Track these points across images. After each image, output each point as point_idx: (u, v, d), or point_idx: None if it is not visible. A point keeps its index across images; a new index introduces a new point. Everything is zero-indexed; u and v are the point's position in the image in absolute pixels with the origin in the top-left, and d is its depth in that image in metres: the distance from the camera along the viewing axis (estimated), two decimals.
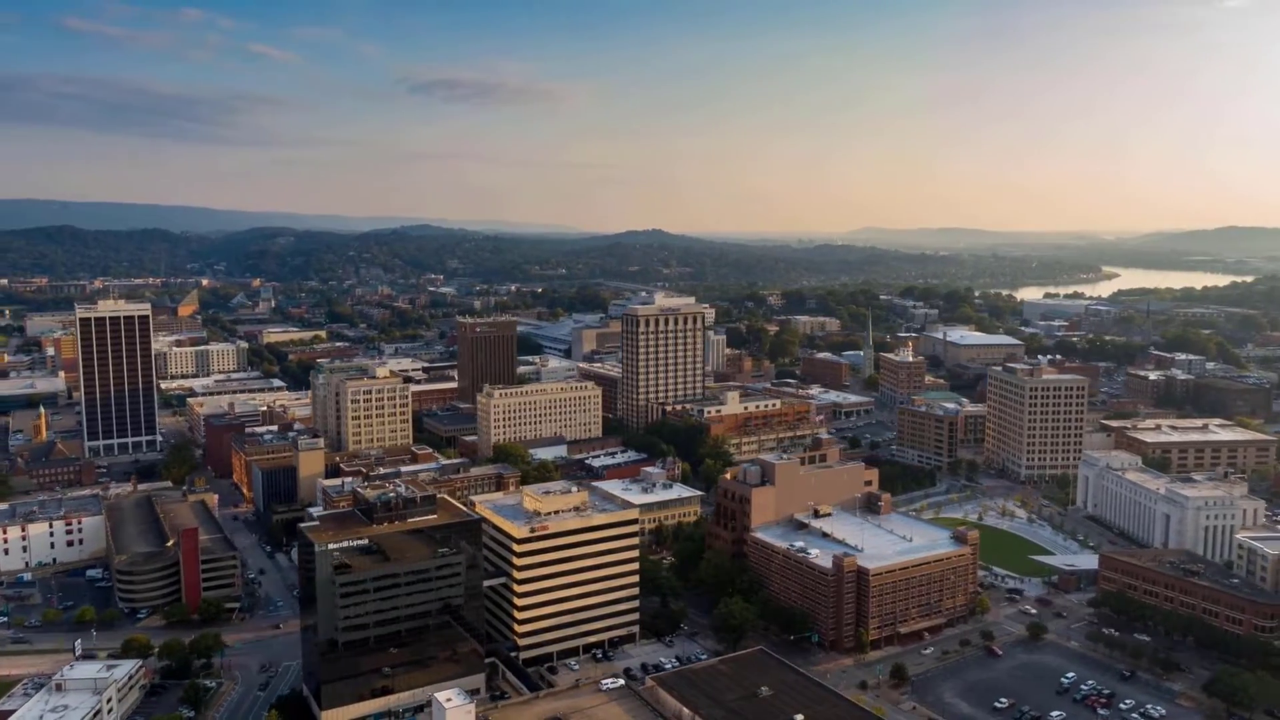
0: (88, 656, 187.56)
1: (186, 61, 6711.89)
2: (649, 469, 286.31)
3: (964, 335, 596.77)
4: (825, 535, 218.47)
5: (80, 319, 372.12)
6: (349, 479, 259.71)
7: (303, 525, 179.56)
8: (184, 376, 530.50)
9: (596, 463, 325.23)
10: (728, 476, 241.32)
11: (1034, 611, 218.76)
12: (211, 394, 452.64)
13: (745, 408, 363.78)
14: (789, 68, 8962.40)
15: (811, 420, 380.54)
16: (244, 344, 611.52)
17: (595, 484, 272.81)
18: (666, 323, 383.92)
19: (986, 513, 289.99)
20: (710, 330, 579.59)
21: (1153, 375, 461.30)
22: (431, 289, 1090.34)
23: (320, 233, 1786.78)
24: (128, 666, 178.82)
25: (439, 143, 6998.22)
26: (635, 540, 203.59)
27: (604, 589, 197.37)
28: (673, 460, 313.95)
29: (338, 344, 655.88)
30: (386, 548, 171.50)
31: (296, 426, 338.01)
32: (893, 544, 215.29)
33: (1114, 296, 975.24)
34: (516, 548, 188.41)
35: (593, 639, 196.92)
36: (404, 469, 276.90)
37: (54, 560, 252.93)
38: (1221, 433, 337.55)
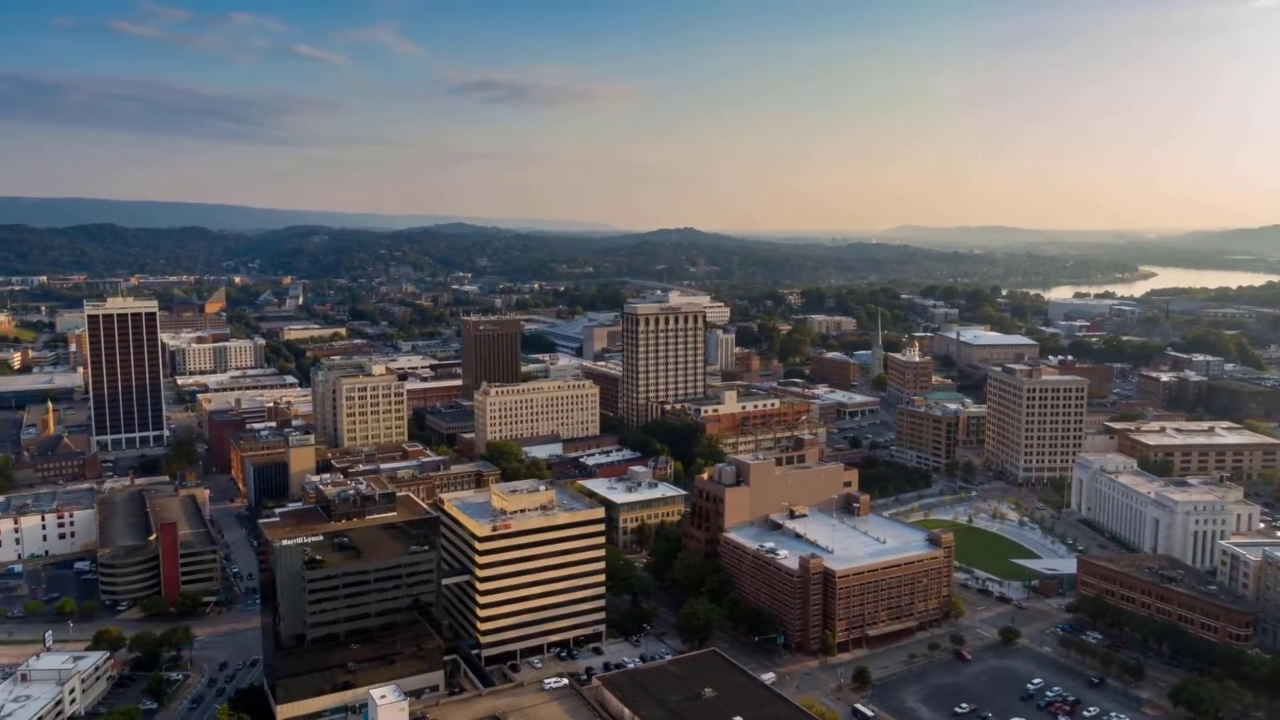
0: (60, 648, 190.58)
1: (234, 65, 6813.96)
2: (636, 468, 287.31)
3: (978, 335, 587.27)
4: (798, 536, 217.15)
5: (89, 316, 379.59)
6: (329, 475, 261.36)
7: (261, 521, 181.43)
8: (201, 372, 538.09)
9: (591, 461, 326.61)
10: (704, 477, 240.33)
11: (1010, 614, 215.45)
12: (223, 390, 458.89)
13: (743, 407, 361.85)
14: (828, 70, 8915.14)
15: (811, 420, 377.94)
16: (262, 341, 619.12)
17: (583, 482, 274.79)
18: (667, 321, 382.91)
19: (978, 515, 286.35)
20: (720, 329, 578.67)
21: (1165, 377, 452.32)
22: (456, 287, 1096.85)
23: (355, 231, 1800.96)
24: (94, 658, 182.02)
25: (478, 142, 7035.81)
26: (601, 540, 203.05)
27: (568, 588, 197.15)
28: (665, 459, 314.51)
29: (356, 341, 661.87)
30: (355, 544, 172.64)
31: (294, 423, 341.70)
32: (865, 545, 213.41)
33: (1145, 296, 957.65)
34: (478, 545, 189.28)
35: (556, 638, 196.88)
36: (383, 466, 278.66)
37: (46, 552, 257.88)
38: (1227, 436, 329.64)
